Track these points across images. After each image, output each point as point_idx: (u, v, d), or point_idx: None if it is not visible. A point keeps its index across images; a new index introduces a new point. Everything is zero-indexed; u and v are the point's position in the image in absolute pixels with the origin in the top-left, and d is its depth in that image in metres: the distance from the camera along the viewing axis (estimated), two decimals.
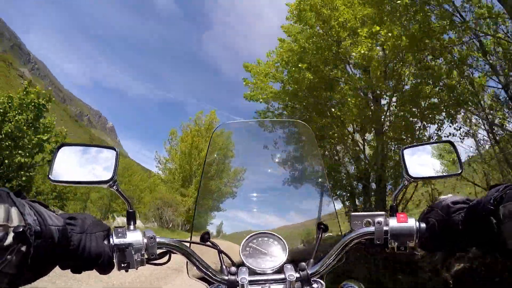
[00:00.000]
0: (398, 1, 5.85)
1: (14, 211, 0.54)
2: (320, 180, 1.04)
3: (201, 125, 31.49)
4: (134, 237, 0.74)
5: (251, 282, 0.77)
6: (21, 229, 0.52)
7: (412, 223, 0.79)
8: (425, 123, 7.35)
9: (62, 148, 0.81)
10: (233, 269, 0.78)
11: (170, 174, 31.11)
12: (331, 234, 0.96)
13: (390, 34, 6.13)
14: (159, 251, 0.79)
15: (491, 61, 6.38)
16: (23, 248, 0.53)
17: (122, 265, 0.72)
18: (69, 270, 0.70)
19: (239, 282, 0.74)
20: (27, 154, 11.06)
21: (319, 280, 0.81)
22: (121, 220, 16.26)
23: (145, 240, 0.75)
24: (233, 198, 1.20)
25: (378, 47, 7.34)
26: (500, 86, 6.53)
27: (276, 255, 0.85)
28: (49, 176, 0.78)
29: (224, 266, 0.85)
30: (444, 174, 0.90)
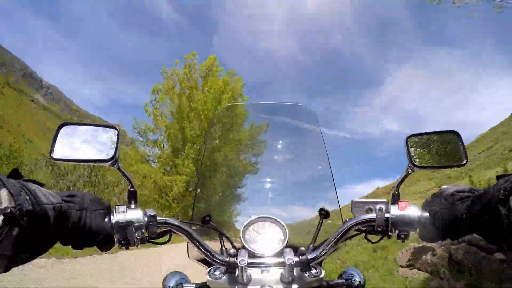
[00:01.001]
0: None
1: (3, 193, 0.53)
2: (323, 167, 1.03)
3: (195, 72, 22.87)
4: (135, 215, 0.74)
5: (250, 265, 0.77)
6: (9, 211, 0.52)
7: (413, 211, 0.78)
8: None
9: (64, 127, 0.81)
10: (233, 251, 0.78)
11: (156, 147, 22.90)
12: (332, 221, 0.95)
13: None
14: (159, 230, 0.79)
15: None
16: (15, 230, 0.53)
17: (123, 242, 0.73)
18: (70, 246, 0.70)
19: (238, 264, 0.74)
20: None
21: (318, 266, 0.81)
22: None
23: (146, 219, 0.75)
24: (235, 183, 1.19)
25: None
26: None
27: (276, 239, 0.85)
28: (51, 154, 0.78)
29: (224, 248, 0.85)
30: (448, 164, 0.88)
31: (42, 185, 0.65)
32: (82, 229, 0.69)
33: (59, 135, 0.80)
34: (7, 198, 0.53)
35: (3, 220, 0.51)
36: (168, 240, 0.83)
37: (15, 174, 0.61)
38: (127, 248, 0.74)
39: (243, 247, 0.82)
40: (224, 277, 0.77)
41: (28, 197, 0.57)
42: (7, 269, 0.55)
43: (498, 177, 0.67)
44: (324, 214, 0.93)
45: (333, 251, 0.83)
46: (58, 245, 0.68)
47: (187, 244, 0.84)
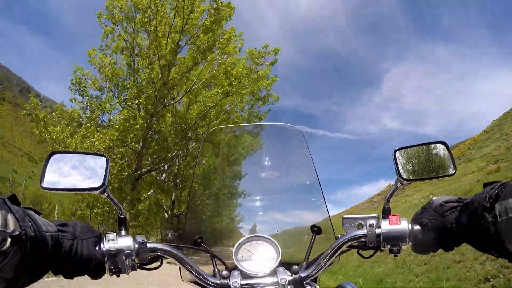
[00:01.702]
0: None
1: (10, 218, 0.55)
2: (312, 184, 1.04)
3: None
4: (125, 242, 0.74)
5: (243, 286, 0.77)
6: (17, 233, 0.54)
7: (404, 225, 0.78)
8: None
9: (53, 156, 0.82)
10: (226, 272, 0.78)
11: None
12: (324, 236, 0.95)
13: None
14: (150, 256, 0.79)
15: None
16: (20, 253, 0.55)
17: (114, 270, 0.73)
18: (62, 276, 0.71)
19: (231, 285, 0.74)
20: None
21: (313, 282, 0.81)
22: None
23: (136, 246, 0.75)
24: (226, 203, 1.20)
25: None
26: None
27: (269, 258, 0.85)
28: (41, 184, 0.79)
29: (216, 270, 0.85)
30: (437, 175, 0.89)
31: (39, 213, 0.67)
32: (74, 258, 0.70)
33: (49, 163, 0.80)
34: (13, 224, 0.55)
35: (11, 243, 0.53)
36: (160, 266, 0.83)
37: (14, 200, 0.62)
38: (118, 276, 0.74)
39: (236, 268, 0.82)
40: None
41: (30, 224, 0.58)
42: None
43: (485, 185, 0.68)
44: (316, 230, 0.93)
45: (327, 267, 0.83)
46: None
47: (180, 268, 0.84)
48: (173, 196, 22.01)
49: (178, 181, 21.48)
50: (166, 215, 22.49)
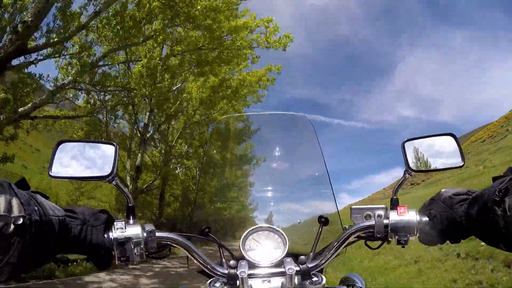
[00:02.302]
0: None
1: (15, 202, 0.55)
2: (321, 174, 1.03)
3: None
4: (133, 231, 0.74)
5: (250, 276, 0.78)
6: (21, 220, 0.54)
7: (412, 216, 0.78)
8: None
9: (61, 145, 0.82)
10: (233, 262, 0.78)
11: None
12: (332, 227, 0.95)
13: None
14: (158, 245, 0.79)
15: None
16: (24, 238, 0.55)
17: (122, 258, 0.73)
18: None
19: (239, 275, 0.75)
20: None
21: (319, 273, 0.81)
22: None
23: (145, 234, 0.76)
24: (234, 193, 1.20)
25: None
26: None
27: (276, 248, 0.85)
28: (49, 172, 0.79)
29: (224, 260, 0.86)
30: (446, 166, 0.88)
31: (47, 197, 0.67)
32: (82, 244, 0.70)
33: (57, 152, 0.81)
34: (18, 208, 0.55)
35: (14, 229, 0.53)
36: (168, 255, 0.84)
37: (23, 184, 0.63)
38: (126, 265, 0.75)
39: (243, 258, 0.83)
40: None
41: (36, 208, 0.58)
42: (11, 276, 0.57)
43: (494, 179, 0.68)
44: (323, 221, 0.93)
45: (334, 258, 0.83)
46: None
47: (187, 257, 0.84)
48: (138, 158, 14.58)
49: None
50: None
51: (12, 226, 0.53)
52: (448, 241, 0.78)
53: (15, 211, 0.54)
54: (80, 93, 11.83)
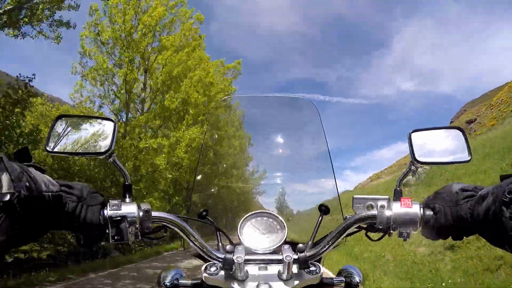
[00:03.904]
0: None
1: (4, 178, 0.53)
2: (323, 161, 1.01)
3: None
4: (128, 209, 0.73)
5: (247, 261, 0.76)
6: (8, 197, 0.52)
7: (416, 209, 0.76)
8: None
9: (60, 119, 0.80)
10: (230, 247, 0.77)
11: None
12: (332, 217, 0.94)
13: None
14: (154, 225, 0.78)
15: None
16: (12, 215, 0.54)
17: (116, 237, 0.72)
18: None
19: (235, 260, 0.73)
20: None
21: (317, 263, 0.80)
22: None
23: (140, 213, 0.74)
24: (233, 177, 1.18)
25: None
26: None
27: (274, 235, 0.84)
28: (46, 147, 0.78)
29: (220, 244, 0.84)
30: (452, 160, 0.87)
31: (43, 171, 0.65)
32: (76, 221, 0.69)
33: (55, 127, 0.79)
34: (7, 184, 0.53)
35: (1, 207, 0.52)
36: (163, 236, 0.82)
37: (24, 154, 0.61)
38: (121, 245, 0.73)
39: (240, 243, 0.81)
40: (220, 273, 0.75)
41: (27, 184, 0.57)
42: None
43: (502, 177, 0.66)
44: (324, 210, 0.91)
45: (333, 248, 0.81)
46: None
47: (183, 240, 0.83)
48: None
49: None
50: None
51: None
52: (450, 237, 0.77)
53: (4, 188, 0.53)
54: None
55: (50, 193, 0.61)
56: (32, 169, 0.61)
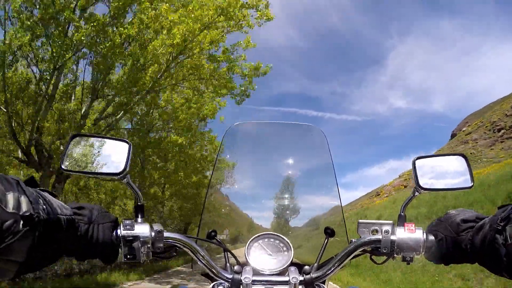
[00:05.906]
0: None
1: (23, 200, 0.54)
2: (330, 186, 1.04)
3: None
4: (141, 229, 0.74)
5: (254, 282, 0.78)
6: (28, 214, 0.53)
7: (419, 234, 0.78)
8: None
9: (75, 139, 0.82)
10: (237, 268, 0.79)
11: None
12: (337, 239, 0.95)
13: None
14: (165, 245, 0.80)
15: None
16: (32, 236, 0.54)
17: (128, 256, 0.73)
18: (74, 258, 0.72)
19: (243, 281, 0.75)
20: None
21: (322, 284, 0.82)
22: None
23: (153, 234, 0.76)
24: (241, 198, 1.20)
25: None
26: None
27: (281, 256, 0.85)
28: (61, 165, 0.79)
29: (228, 264, 0.86)
30: (454, 186, 0.89)
31: (55, 196, 0.66)
32: (89, 242, 0.70)
33: (70, 145, 0.81)
34: (26, 206, 0.54)
35: (23, 226, 0.52)
36: (174, 255, 0.84)
37: (32, 182, 0.62)
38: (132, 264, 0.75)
39: (248, 264, 0.83)
40: None
41: (44, 206, 0.57)
42: (16, 275, 0.56)
43: (499, 207, 0.68)
44: (329, 232, 0.93)
45: (338, 270, 0.83)
46: None
47: (192, 259, 0.85)
48: None
49: None
50: None
51: (20, 223, 0.52)
52: (453, 263, 0.79)
53: (24, 209, 0.53)
54: None
55: (64, 217, 0.62)
56: (46, 194, 0.62)
